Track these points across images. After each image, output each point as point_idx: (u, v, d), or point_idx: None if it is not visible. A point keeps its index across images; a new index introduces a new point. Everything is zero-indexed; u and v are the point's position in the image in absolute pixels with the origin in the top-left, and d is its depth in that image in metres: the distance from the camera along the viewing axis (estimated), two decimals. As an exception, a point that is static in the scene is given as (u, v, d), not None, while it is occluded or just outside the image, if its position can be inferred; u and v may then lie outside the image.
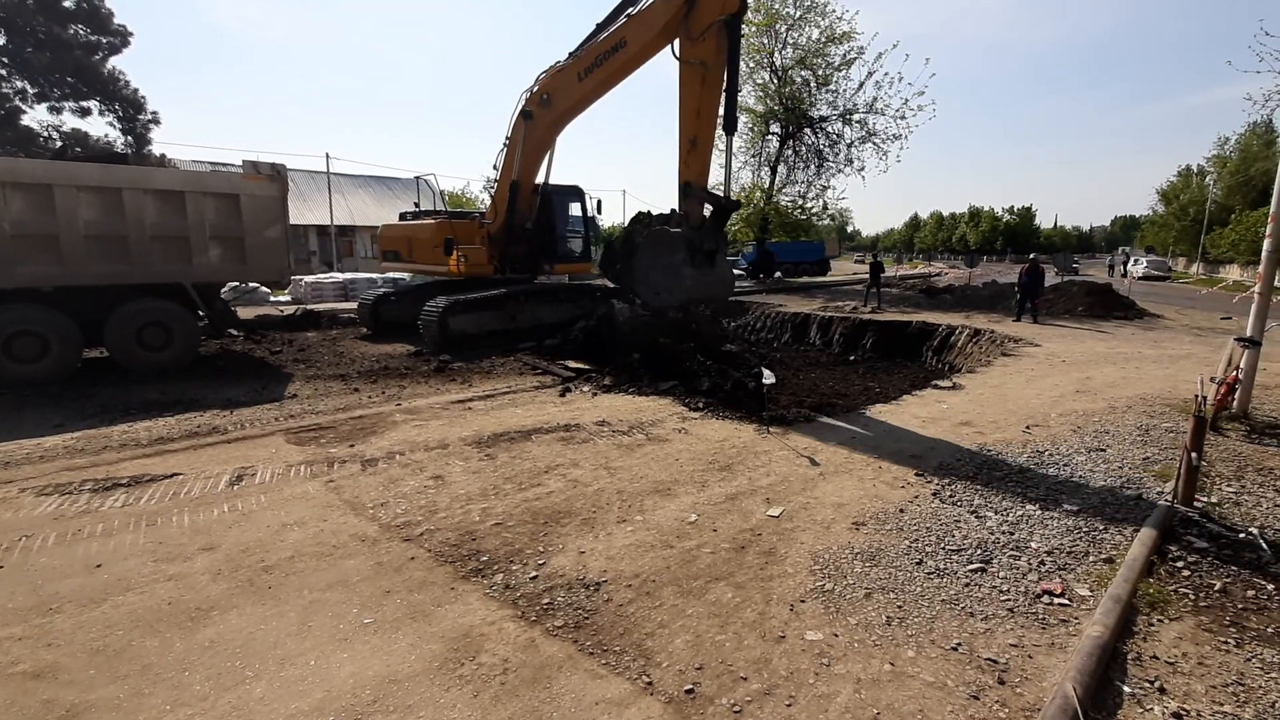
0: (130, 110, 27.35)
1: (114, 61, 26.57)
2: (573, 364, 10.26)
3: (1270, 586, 3.70)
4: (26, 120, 25.13)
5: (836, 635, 3.26)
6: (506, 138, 12.77)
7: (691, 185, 9.65)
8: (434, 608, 3.54)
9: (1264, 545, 4.14)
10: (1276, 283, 6.74)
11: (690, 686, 2.89)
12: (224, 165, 31.39)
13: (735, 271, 35.76)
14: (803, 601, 3.57)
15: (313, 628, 3.34)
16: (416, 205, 16.90)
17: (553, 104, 11.87)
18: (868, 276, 20.86)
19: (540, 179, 13.36)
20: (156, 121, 28.22)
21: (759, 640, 3.23)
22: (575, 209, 14.62)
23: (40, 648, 3.18)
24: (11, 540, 4.30)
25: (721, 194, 9.74)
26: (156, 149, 29.00)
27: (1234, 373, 6.96)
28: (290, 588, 3.73)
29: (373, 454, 6.07)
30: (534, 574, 3.88)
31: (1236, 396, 7.06)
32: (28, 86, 24.82)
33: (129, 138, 27.61)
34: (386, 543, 4.29)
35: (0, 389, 8.45)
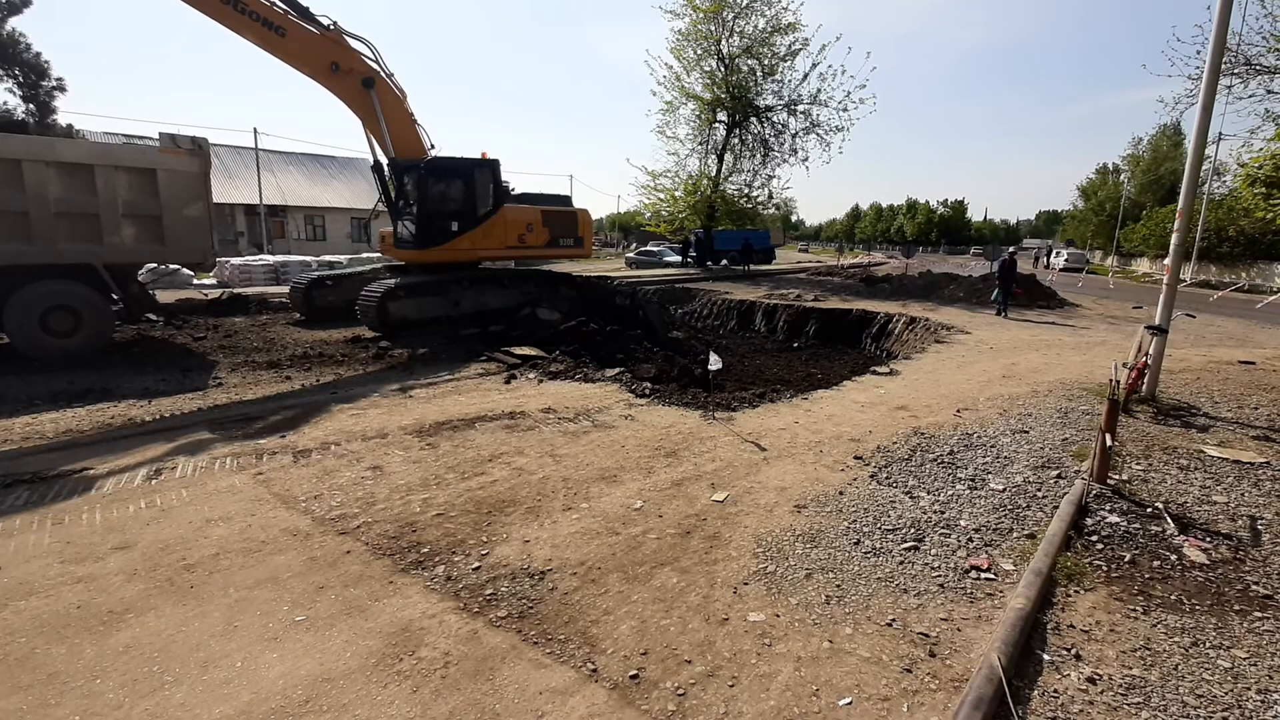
0: (32, 76, 25.14)
1: (13, 23, 24.35)
2: (518, 350, 10.10)
3: (1174, 557, 3.98)
4: (-92, 83, 22.85)
5: (778, 616, 3.32)
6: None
7: None
8: (371, 602, 3.42)
9: (1169, 519, 4.45)
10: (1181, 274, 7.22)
11: (635, 672, 2.89)
12: (140, 138, 29.30)
13: (671, 259, 35.83)
14: (746, 584, 3.62)
15: (239, 627, 3.18)
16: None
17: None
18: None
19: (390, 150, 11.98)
20: (62, 89, 26.08)
21: (703, 623, 3.26)
22: (482, 185, 12.65)
23: (-72, 660, 2.92)
24: (-107, 544, 3.92)
25: None
26: (63, 118, 26.81)
27: (1143, 359, 7.44)
28: (214, 586, 3.54)
29: (306, 445, 5.81)
30: (477, 565, 3.80)
31: (1146, 381, 7.56)
32: (-91, 46, 22.52)
33: (30, 105, 25.40)
34: (320, 536, 4.12)
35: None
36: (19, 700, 2.69)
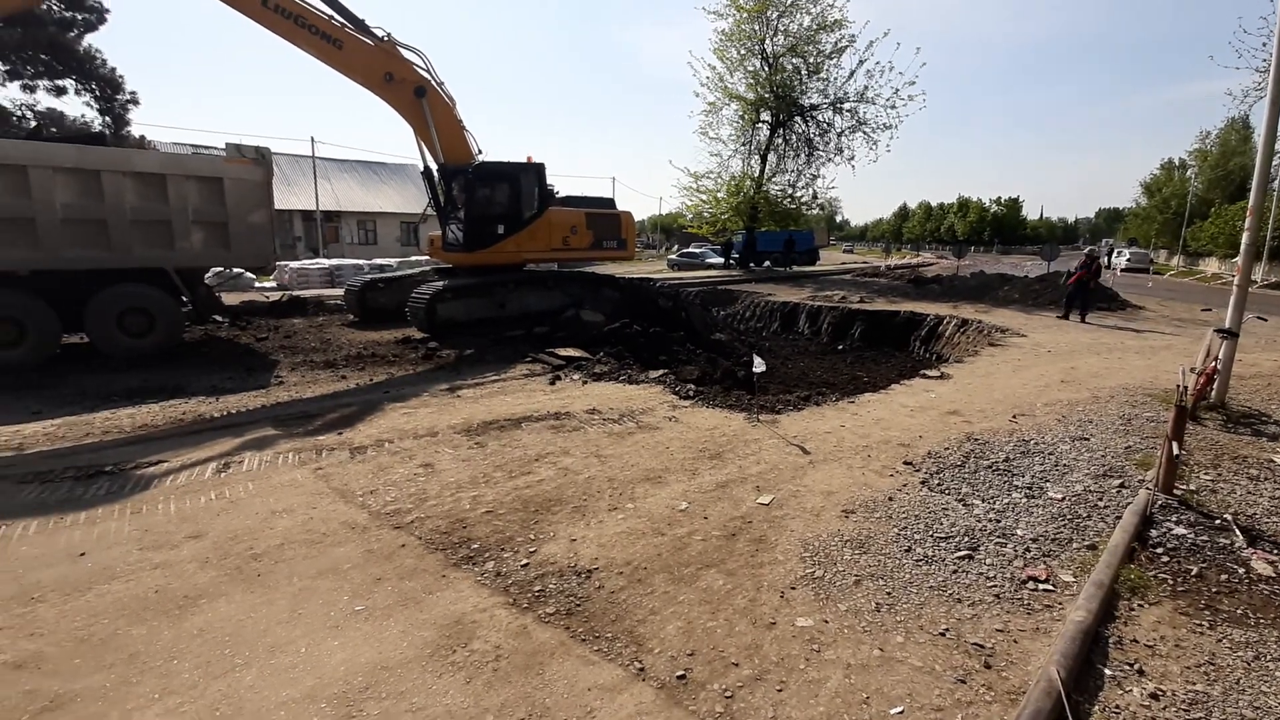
0: (108, 89, 26.62)
1: (90, 39, 25.87)
2: (562, 352, 10.23)
3: (1241, 570, 3.79)
4: (-2, 98, 24.47)
5: (827, 621, 3.29)
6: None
7: None
8: (425, 595, 3.53)
9: (1237, 531, 4.23)
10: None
11: (682, 672, 2.91)
12: (206, 148, 30.77)
13: (714, 260, 35.61)
14: (793, 588, 3.60)
15: (303, 615, 3.33)
16: None
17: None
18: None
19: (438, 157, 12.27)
20: (135, 101, 27.51)
21: (750, 627, 3.26)
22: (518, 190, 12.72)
23: (22, 637, 3.14)
24: (-8, 528, 4.23)
25: None
26: (135, 130, 28.34)
27: (1212, 363, 7.08)
28: (280, 575, 3.71)
29: (361, 441, 6.02)
30: (525, 561, 3.88)
31: (1214, 386, 7.19)
32: (-1, 63, 24.11)
33: (106, 118, 26.92)
34: (376, 530, 4.27)
35: (-25, 375, 8.27)
36: (102, 679, 2.87)
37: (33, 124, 23.73)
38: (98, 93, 26.53)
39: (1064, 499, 4.81)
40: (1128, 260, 41.96)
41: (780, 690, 2.81)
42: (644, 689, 2.82)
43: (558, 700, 2.74)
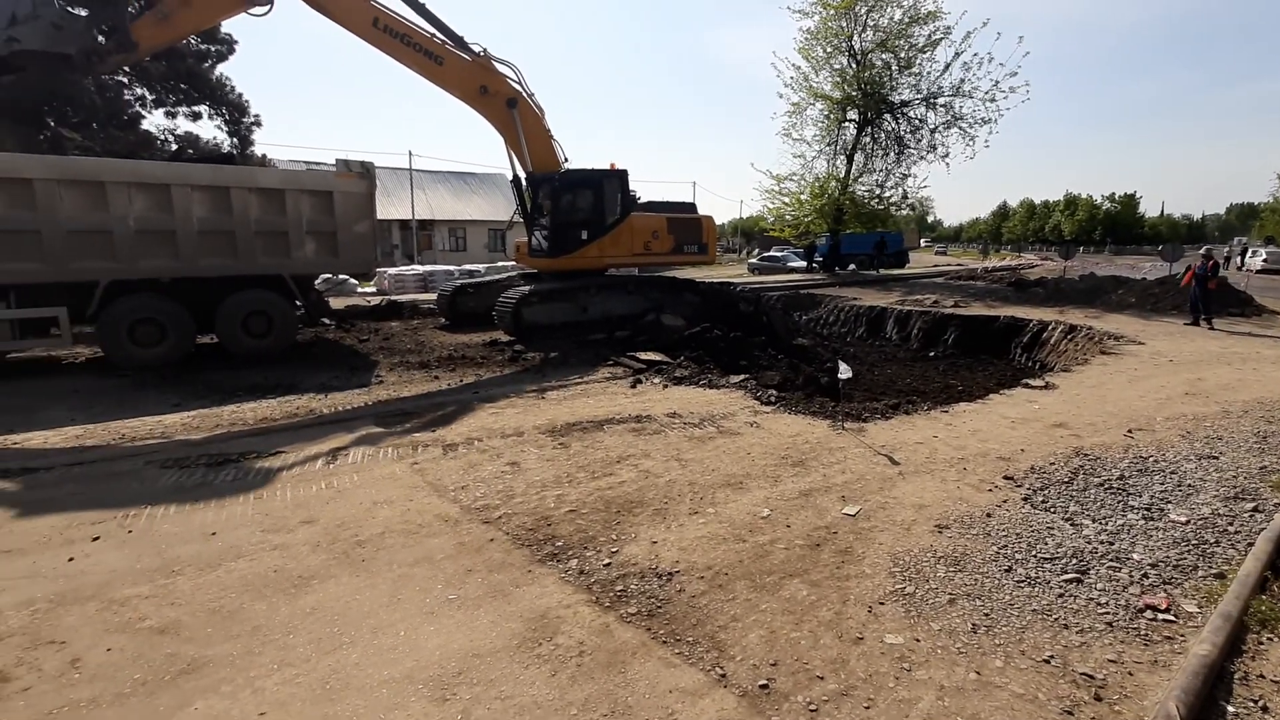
0: (235, 114, 29.27)
1: (221, 68, 28.57)
2: (643, 355, 10.33)
3: None
4: (146, 124, 27.37)
5: (918, 640, 3.16)
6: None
7: None
8: (513, 588, 3.66)
9: None
10: None
11: (765, 681, 2.88)
12: (317, 164, 33.23)
13: (795, 264, 34.82)
14: (882, 604, 3.48)
15: (402, 600, 3.54)
16: None
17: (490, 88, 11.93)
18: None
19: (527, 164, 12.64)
20: (258, 124, 30.08)
21: (836, 640, 3.18)
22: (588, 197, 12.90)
23: (164, 605, 3.51)
24: (139, 508, 4.75)
25: None
26: (257, 149, 30.97)
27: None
28: (381, 562, 3.96)
29: (453, 439, 6.32)
30: (607, 561, 3.96)
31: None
32: (146, 93, 26.98)
33: (234, 139, 29.57)
34: (467, 524, 4.48)
35: (124, 371, 9.32)
36: (230, 647, 3.16)
37: (174, 147, 26.44)
38: (227, 117, 29.20)
39: (1188, 522, 4.39)
40: (1264, 260, 37.55)
41: (868, 708, 2.73)
42: (726, 695, 2.81)
43: (639, 700, 2.78)
